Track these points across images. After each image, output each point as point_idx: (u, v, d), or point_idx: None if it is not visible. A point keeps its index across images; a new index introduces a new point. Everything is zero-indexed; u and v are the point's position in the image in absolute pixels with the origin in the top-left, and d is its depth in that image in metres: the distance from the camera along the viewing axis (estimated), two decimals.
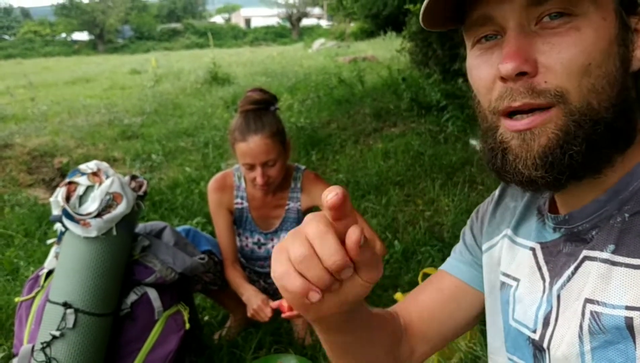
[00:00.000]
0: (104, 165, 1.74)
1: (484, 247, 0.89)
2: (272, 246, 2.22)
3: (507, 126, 0.65)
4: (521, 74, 0.61)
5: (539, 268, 0.74)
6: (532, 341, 0.71)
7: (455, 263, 0.94)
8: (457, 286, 0.92)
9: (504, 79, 0.63)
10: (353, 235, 0.50)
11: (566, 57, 0.60)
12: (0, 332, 2.29)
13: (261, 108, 1.98)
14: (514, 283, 0.79)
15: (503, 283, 0.82)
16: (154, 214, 3.48)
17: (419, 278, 2.15)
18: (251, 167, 1.95)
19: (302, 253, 0.51)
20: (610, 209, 0.65)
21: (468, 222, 0.97)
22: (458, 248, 0.97)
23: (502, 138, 0.66)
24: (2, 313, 2.39)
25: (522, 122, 0.63)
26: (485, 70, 0.67)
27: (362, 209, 3.41)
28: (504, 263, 0.83)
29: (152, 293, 1.75)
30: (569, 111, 0.61)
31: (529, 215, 0.81)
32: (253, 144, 1.91)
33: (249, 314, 1.93)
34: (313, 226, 0.52)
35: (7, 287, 2.64)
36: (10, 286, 2.65)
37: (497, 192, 0.92)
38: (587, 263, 0.65)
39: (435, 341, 0.92)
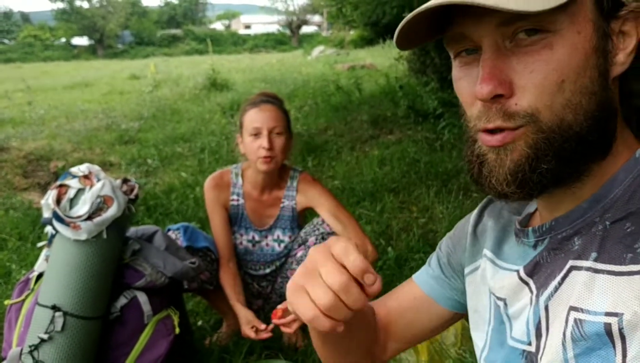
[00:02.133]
0: (96, 168, 1.74)
1: (466, 270, 0.90)
2: (266, 244, 2.25)
3: (484, 141, 0.67)
4: (497, 96, 0.63)
5: (526, 283, 0.74)
6: (527, 354, 0.71)
7: (425, 276, 0.99)
8: (418, 298, 0.97)
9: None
10: (375, 286, 0.62)
11: (539, 76, 0.61)
12: None
13: (273, 98, 2.14)
14: (501, 303, 0.80)
15: (495, 303, 0.82)
16: (149, 219, 3.48)
17: None
18: (257, 134, 2.02)
19: (330, 302, 0.62)
20: (593, 216, 0.66)
21: (445, 239, 0.99)
22: (432, 260, 0.99)
23: (479, 150, 0.68)
24: None
25: (496, 138, 0.65)
26: (466, 85, 0.68)
27: (357, 216, 3.41)
28: (490, 283, 0.83)
29: (142, 297, 1.75)
30: (539, 128, 0.62)
31: (508, 237, 0.82)
32: (264, 109, 2.04)
33: (242, 334, 1.97)
34: (335, 277, 0.62)
35: None
36: (1, 290, 2.64)
37: (475, 212, 0.93)
38: (573, 272, 0.65)
39: (402, 341, 0.99)
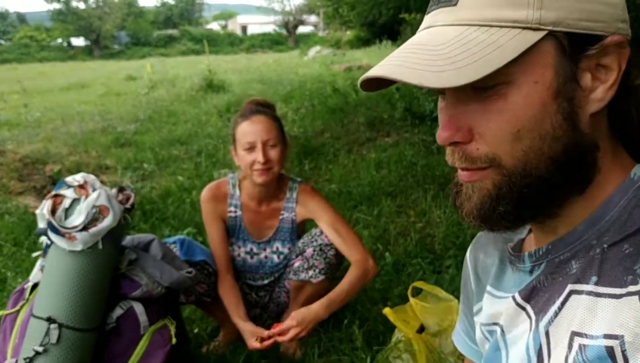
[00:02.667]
0: (91, 177, 1.73)
1: (475, 309, 0.91)
2: (265, 256, 2.22)
3: (459, 173, 0.69)
4: (456, 142, 0.65)
5: (523, 308, 0.74)
6: None
7: (461, 337, 0.99)
8: None
9: None
10: None
11: (494, 126, 0.62)
12: None
13: (264, 107, 2.10)
14: (497, 328, 0.79)
15: (489, 332, 0.82)
16: (145, 224, 3.46)
17: (409, 292, 2.14)
18: (252, 148, 1.98)
19: None
20: (589, 239, 0.65)
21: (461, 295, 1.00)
22: (459, 316, 0.99)
23: (457, 180, 0.70)
24: None
25: (464, 174, 0.67)
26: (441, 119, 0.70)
27: (354, 220, 3.40)
28: (485, 315, 0.84)
29: (138, 308, 1.73)
30: (502, 172, 0.64)
31: (504, 268, 0.83)
32: (256, 121, 1.99)
33: (249, 348, 1.94)
34: None
35: None
36: None
37: (467, 255, 0.95)
38: (574, 297, 0.65)
39: None
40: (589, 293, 0.62)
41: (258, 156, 1.96)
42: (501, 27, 0.60)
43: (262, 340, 1.87)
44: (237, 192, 2.15)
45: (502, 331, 0.78)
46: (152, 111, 8.34)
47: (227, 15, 68.48)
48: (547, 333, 0.68)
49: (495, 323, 0.80)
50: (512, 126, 0.61)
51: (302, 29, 46.91)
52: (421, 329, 2.08)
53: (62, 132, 6.98)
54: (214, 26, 62.61)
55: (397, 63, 0.62)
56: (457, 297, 2.14)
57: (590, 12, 0.60)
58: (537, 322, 0.70)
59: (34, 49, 41.84)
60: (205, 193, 2.16)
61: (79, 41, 47.09)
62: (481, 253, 0.90)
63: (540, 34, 0.59)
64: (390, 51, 13.13)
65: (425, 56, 0.60)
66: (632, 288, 0.58)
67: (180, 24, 54.92)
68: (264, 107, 2.09)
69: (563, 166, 0.62)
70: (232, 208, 2.16)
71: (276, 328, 1.85)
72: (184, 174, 4.73)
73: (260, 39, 45.74)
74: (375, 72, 0.63)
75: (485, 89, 0.61)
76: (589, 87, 0.62)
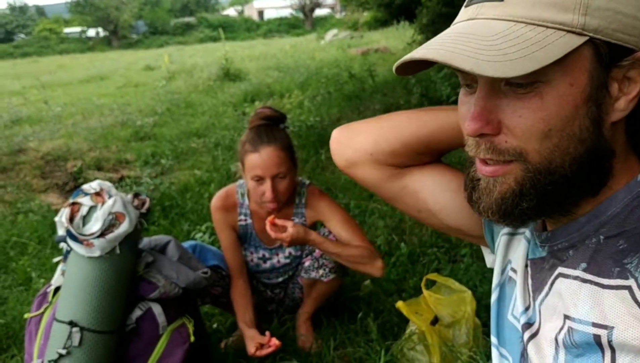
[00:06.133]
0: (107, 184, 1.78)
1: (504, 230, 0.90)
2: (278, 261, 2.24)
3: (478, 168, 0.71)
4: (485, 134, 0.66)
5: (528, 283, 0.79)
6: (523, 341, 0.76)
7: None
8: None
9: None
10: None
11: (526, 122, 0.63)
12: (15, 342, 2.35)
13: (272, 124, 2.01)
14: (517, 278, 0.83)
15: (510, 278, 0.86)
16: (164, 220, 3.51)
17: (422, 284, 2.16)
18: (260, 180, 1.95)
19: None
20: (588, 231, 0.68)
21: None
22: None
23: (474, 174, 0.72)
24: (16, 323, 2.45)
25: (487, 169, 0.69)
26: (464, 112, 0.71)
27: (370, 211, 3.42)
28: (511, 253, 0.87)
29: (157, 308, 1.79)
30: (526, 168, 0.65)
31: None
32: (265, 155, 1.91)
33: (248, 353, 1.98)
34: None
35: (20, 298, 2.70)
36: (23, 297, 2.70)
37: None
38: (560, 279, 0.69)
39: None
40: (576, 277, 0.66)
41: (267, 192, 1.93)
42: (547, 27, 0.61)
43: (262, 345, 1.92)
44: (246, 201, 2.15)
45: (516, 286, 0.81)
46: (170, 103, 8.41)
47: (243, 0, 68.23)
48: (539, 311, 0.72)
49: (510, 268, 0.85)
50: (545, 125, 0.62)
51: (319, 12, 46.63)
52: (435, 321, 2.11)
53: (82, 128, 7.07)
54: (231, 12, 62.52)
55: (448, 48, 0.62)
56: (471, 288, 2.16)
57: (626, 25, 0.62)
58: (534, 299, 0.75)
59: (54, 42, 42.27)
60: (215, 202, 2.16)
61: (94, 32, 47.43)
62: None
63: (583, 39, 0.61)
64: (408, 31, 12.99)
65: (476, 45, 0.61)
66: (620, 282, 0.60)
67: (197, 11, 54.95)
68: (273, 131, 1.98)
69: (584, 168, 0.65)
70: (242, 217, 2.16)
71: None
72: (202, 167, 4.78)
73: (277, 24, 45.57)
74: (424, 54, 0.63)
75: (522, 86, 0.62)
76: (615, 96, 0.64)
